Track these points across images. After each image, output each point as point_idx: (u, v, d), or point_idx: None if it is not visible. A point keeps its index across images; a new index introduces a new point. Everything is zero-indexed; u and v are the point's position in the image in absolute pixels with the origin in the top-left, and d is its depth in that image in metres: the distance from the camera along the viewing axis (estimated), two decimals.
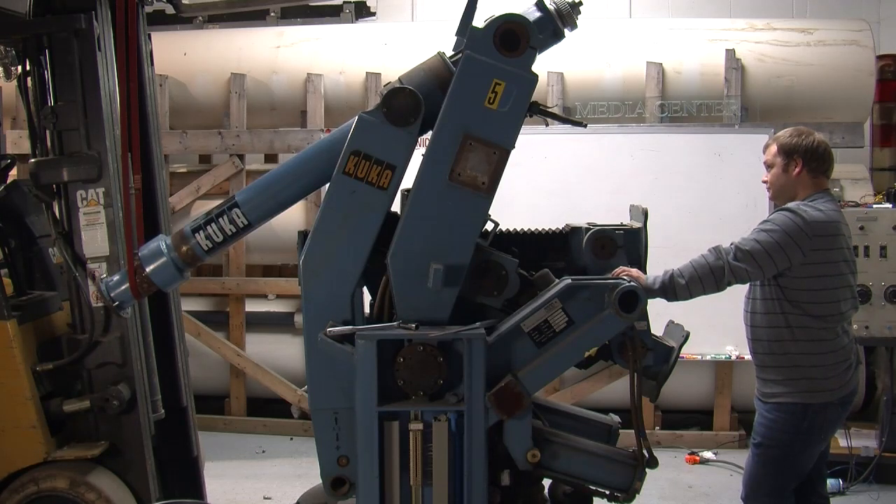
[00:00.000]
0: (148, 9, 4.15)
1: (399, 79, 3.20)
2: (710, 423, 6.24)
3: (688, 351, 3.89)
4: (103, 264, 3.69)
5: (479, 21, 3.12)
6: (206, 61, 6.84)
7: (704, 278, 3.25)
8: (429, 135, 3.18)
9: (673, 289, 3.27)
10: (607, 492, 3.33)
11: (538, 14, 3.16)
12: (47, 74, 3.74)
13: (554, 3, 3.17)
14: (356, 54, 6.65)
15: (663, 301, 3.31)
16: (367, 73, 6.48)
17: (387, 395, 3.08)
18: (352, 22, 7.62)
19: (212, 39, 7.21)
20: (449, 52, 3.26)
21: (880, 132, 6.67)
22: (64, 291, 3.98)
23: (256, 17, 7.58)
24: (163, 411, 3.97)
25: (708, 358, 6.02)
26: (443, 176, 3.08)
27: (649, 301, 3.18)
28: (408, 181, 3.18)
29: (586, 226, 3.40)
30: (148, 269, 3.25)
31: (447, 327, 3.09)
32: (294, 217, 6.20)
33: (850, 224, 3.90)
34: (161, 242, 3.28)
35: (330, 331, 3.08)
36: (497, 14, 3.09)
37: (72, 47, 3.65)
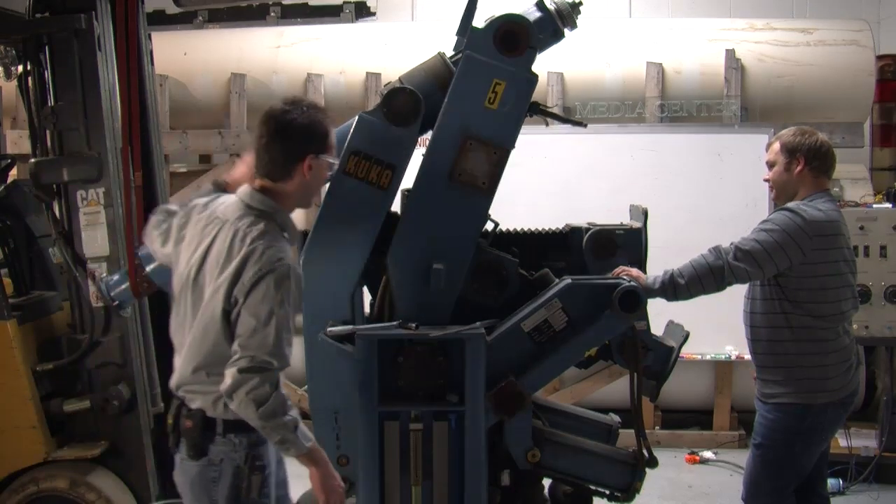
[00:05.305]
0: (148, 8, 4.15)
1: (399, 79, 3.20)
2: (710, 423, 6.23)
3: (688, 351, 3.89)
4: (103, 264, 3.69)
5: (479, 21, 3.12)
6: (206, 61, 6.84)
7: (704, 278, 3.25)
8: (429, 135, 3.19)
9: (673, 289, 3.27)
10: (607, 492, 3.33)
11: (538, 14, 3.17)
12: (47, 74, 3.74)
13: (554, 3, 3.17)
14: (356, 54, 6.64)
15: (663, 301, 3.31)
16: (367, 73, 6.48)
17: (387, 395, 3.08)
18: (352, 22, 7.62)
19: (212, 39, 7.20)
20: (449, 52, 3.27)
21: (880, 132, 6.66)
22: (64, 291, 3.98)
23: (256, 17, 7.58)
24: (162, 405, 3.97)
25: (708, 358, 6.01)
26: (443, 176, 3.09)
27: (649, 301, 3.19)
28: (408, 181, 3.18)
29: (586, 226, 3.40)
30: (148, 269, 3.25)
31: (447, 327, 3.09)
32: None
33: (850, 224, 3.90)
34: None
35: (330, 331, 3.08)
36: (497, 14, 3.09)
37: (72, 47, 3.66)
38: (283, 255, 2.45)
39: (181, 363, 2.58)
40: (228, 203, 2.60)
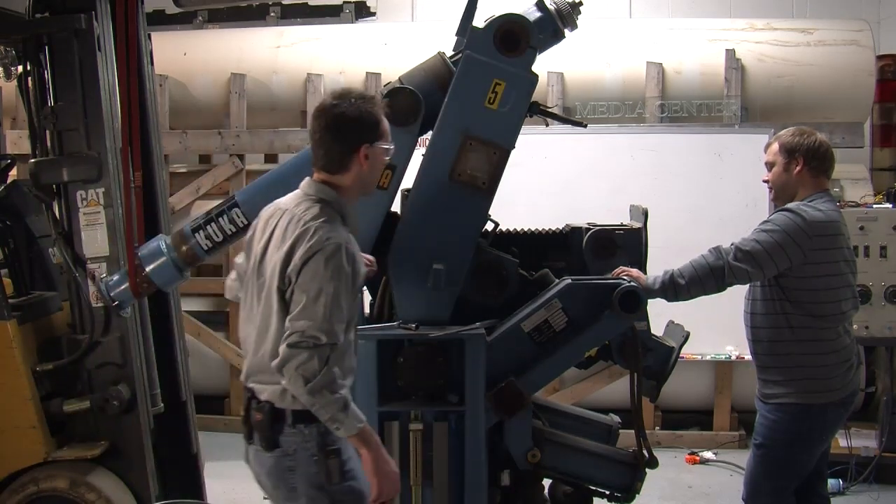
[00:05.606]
0: (148, 8, 4.14)
1: (399, 79, 3.20)
2: (710, 423, 6.23)
3: (688, 351, 3.90)
4: (103, 264, 3.69)
5: (479, 21, 3.12)
6: (206, 61, 6.83)
7: (705, 278, 3.25)
8: (429, 135, 3.19)
9: (673, 289, 3.27)
10: (607, 492, 3.33)
11: (538, 14, 3.17)
12: (47, 74, 3.73)
13: (554, 3, 3.17)
14: (356, 54, 6.64)
15: (663, 301, 3.31)
16: (367, 73, 6.48)
17: (387, 395, 3.09)
18: (352, 22, 7.61)
19: (212, 39, 7.20)
20: (449, 52, 3.27)
21: (880, 132, 6.66)
22: (64, 291, 3.98)
23: (256, 17, 7.57)
24: (162, 405, 3.98)
25: (708, 358, 6.01)
26: (443, 176, 3.09)
27: (649, 301, 3.19)
28: (408, 181, 3.18)
29: (586, 226, 3.40)
30: (148, 269, 3.26)
31: (447, 327, 3.09)
32: None
33: (850, 224, 3.90)
34: (161, 242, 3.29)
35: None
36: (497, 14, 3.09)
37: (72, 47, 3.65)
38: (334, 234, 2.48)
39: (250, 352, 2.63)
40: (291, 195, 2.66)
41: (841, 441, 5.09)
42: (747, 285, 3.44)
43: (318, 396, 2.39)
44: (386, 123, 2.63)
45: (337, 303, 2.43)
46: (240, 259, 2.80)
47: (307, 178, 2.65)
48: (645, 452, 3.24)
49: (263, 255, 2.59)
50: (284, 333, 2.43)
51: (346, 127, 2.55)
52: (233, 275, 2.88)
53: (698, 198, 5.99)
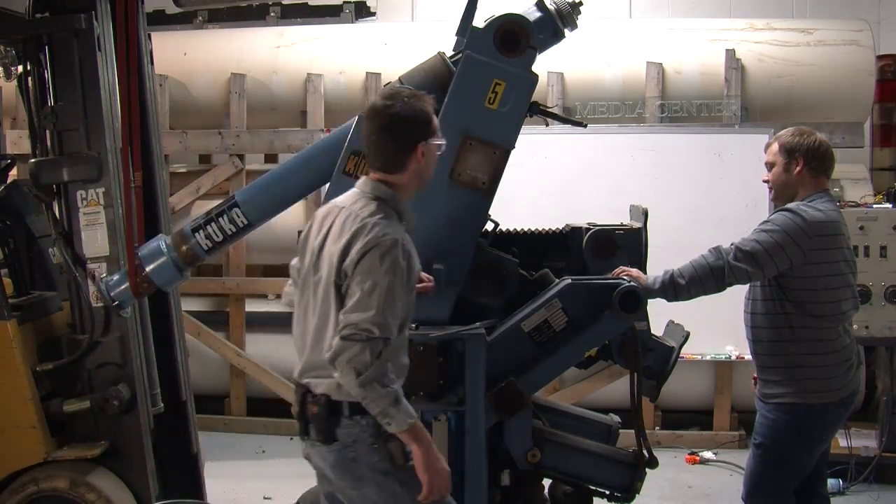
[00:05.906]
0: (148, 8, 4.15)
1: (399, 79, 3.21)
2: (710, 423, 6.24)
3: (688, 351, 3.90)
4: (103, 264, 3.69)
5: (479, 21, 3.13)
6: (206, 61, 6.84)
7: (705, 278, 3.25)
8: None
9: (673, 289, 3.27)
10: (607, 492, 3.33)
11: (538, 14, 3.17)
12: (47, 74, 3.74)
13: (554, 3, 3.18)
14: (356, 54, 6.64)
15: (663, 301, 3.31)
16: (367, 73, 6.48)
17: None
18: (352, 22, 7.61)
19: (212, 39, 7.20)
20: (449, 52, 3.27)
21: (880, 132, 6.66)
22: (64, 291, 3.98)
23: (256, 17, 7.58)
24: (162, 405, 3.98)
25: (708, 358, 6.01)
26: (443, 176, 3.09)
27: (649, 301, 3.19)
28: None
29: (586, 226, 3.40)
30: (148, 269, 3.26)
31: (447, 327, 3.09)
32: (294, 217, 6.18)
33: (850, 224, 3.90)
34: (161, 242, 3.29)
35: None
36: (497, 14, 3.09)
37: (72, 47, 3.66)
38: (391, 230, 2.51)
39: (307, 349, 2.65)
40: (347, 194, 2.69)
41: (841, 441, 5.09)
42: (747, 285, 3.44)
43: (368, 389, 2.40)
44: (436, 119, 2.66)
45: (391, 297, 2.45)
46: (294, 262, 2.81)
47: (363, 177, 2.68)
48: (645, 452, 3.25)
49: (320, 251, 2.61)
50: (339, 327, 2.46)
51: (400, 127, 2.58)
52: (290, 281, 2.88)
53: (698, 198, 5.99)
